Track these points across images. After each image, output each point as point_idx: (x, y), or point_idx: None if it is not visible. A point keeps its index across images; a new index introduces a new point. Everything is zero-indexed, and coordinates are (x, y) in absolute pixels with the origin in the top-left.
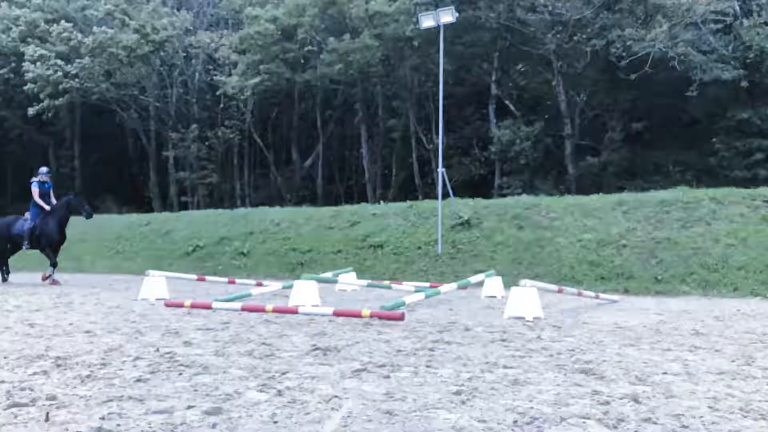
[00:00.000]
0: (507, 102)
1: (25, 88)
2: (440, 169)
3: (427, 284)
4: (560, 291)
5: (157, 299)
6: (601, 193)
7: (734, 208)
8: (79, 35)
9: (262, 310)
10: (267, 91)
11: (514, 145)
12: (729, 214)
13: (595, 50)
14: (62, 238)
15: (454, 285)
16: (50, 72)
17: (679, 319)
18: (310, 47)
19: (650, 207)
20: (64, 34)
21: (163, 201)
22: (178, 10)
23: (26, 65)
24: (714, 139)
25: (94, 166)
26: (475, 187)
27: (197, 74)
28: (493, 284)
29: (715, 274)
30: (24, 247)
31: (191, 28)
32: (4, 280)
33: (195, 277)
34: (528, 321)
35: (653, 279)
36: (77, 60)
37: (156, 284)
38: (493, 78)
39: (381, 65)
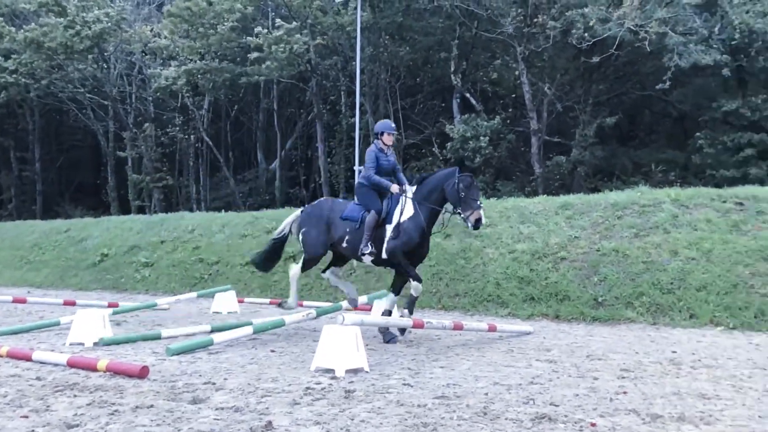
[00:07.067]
0: (468, 95)
1: None
2: (357, 168)
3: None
4: (419, 326)
5: None
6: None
7: (700, 213)
8: (12, 29)
9: None
10: (219, 86)
11: (470, 142)
12: (693, 220)
13: (558, 33)
14: None
15: (312, 312)
16: None
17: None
18: (255, 38)
19: (599, 211)
20: None
21: (122, 205)
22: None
23: None
24: (698, 134)
25: (58, 170)
26: None
27: (138, 67)
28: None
29: (669, 295)
30: None
31: (127, 18)
32: None
33: (11, 298)
34: (337, 376)
35: (592, 301)
36: (14, 56)
37: None
38: (452, 68)
39: (336, 57)
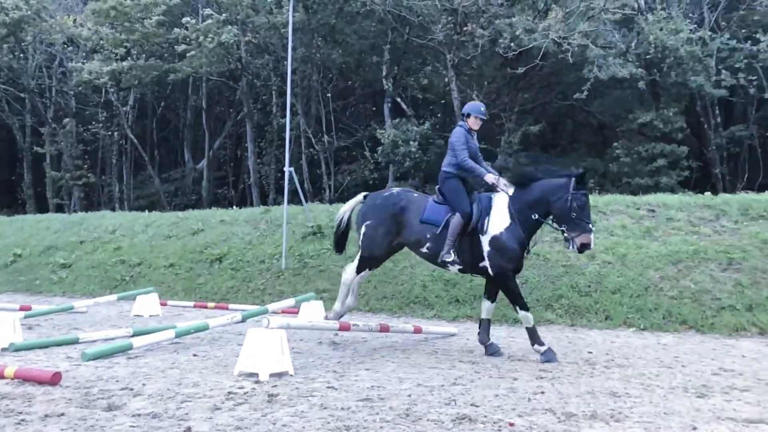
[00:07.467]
0: (399, 100)
1: None
2: (287, 168)
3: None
4: (346, 328)
5: None
6: None
7: (616, 219)
8: None
9: None
10: (145, 83)
11: (401, 147)
12: (609, 226)
13: (486, 42)
14: None
15: (237, 316)
16: None
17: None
18: (183, 29)
19: None
20: None
21: (39, 203)
22: None
23: None
24: (616, 144)
25: None
26: (370, 191)
27: (58, 59)
28: (312, 312)
29: (586, 298)
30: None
31: (48, 6)
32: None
33: None
34: (261, 380)
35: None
36: None
37: None
38: (384, 73)
39: (268, 56)
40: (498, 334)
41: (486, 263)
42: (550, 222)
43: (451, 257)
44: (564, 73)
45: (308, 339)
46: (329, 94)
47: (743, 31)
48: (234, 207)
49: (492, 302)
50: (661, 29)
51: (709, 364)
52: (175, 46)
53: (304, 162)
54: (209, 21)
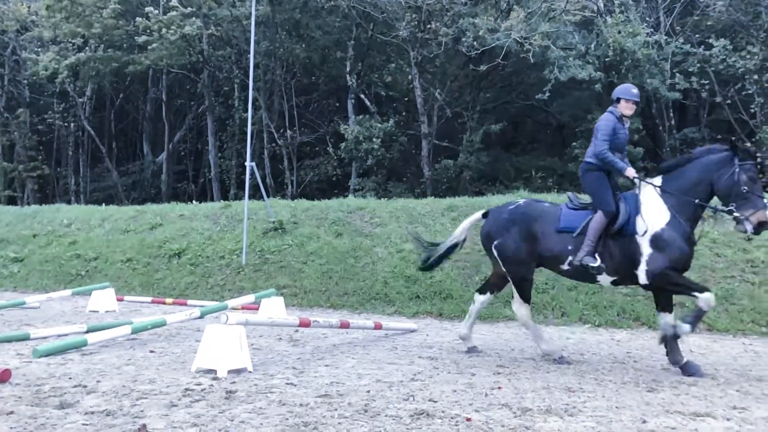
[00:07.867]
0: (363, 97)
1: None
2: (249, 163)
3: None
4: (306, 324)
5: None
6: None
7: None
8: None
9: None
10: (104, 75)
11: (363, 143)
12: None
13: (449, 40)
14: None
15: (196, 312)
16: None
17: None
18: (144, 19)
19: None
20: None
21: None
22: None
23: None
24: (574, 144)
25: None
26: (333, 188)
27: (11, 47)
28: (272, 308)
29: (543, 295)
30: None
31: None
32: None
33: None
34: (219, 377)
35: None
36: None
37: None
38: (348, 69)
39: (230, 49)
40: (457, 330)
41: (642, 268)
42: (714, 207)
43: (596, 261)
44: (525, 73)
45: (268, 335)
46: (292, 89)
47: (697, 36)
48: (194, 201)
49: (670, 313)
50: (619, 32)
51: (660, 360)
52: (136, 37)
53: (267, 157)
54: (173, 13)
